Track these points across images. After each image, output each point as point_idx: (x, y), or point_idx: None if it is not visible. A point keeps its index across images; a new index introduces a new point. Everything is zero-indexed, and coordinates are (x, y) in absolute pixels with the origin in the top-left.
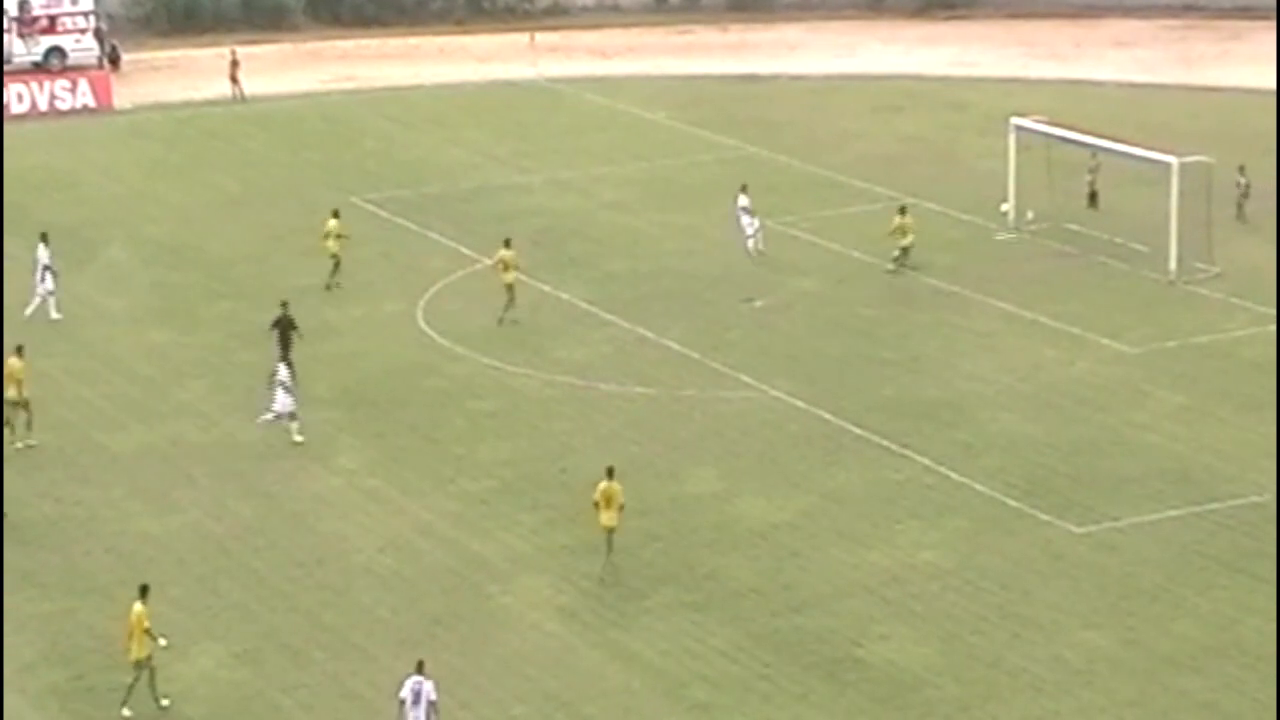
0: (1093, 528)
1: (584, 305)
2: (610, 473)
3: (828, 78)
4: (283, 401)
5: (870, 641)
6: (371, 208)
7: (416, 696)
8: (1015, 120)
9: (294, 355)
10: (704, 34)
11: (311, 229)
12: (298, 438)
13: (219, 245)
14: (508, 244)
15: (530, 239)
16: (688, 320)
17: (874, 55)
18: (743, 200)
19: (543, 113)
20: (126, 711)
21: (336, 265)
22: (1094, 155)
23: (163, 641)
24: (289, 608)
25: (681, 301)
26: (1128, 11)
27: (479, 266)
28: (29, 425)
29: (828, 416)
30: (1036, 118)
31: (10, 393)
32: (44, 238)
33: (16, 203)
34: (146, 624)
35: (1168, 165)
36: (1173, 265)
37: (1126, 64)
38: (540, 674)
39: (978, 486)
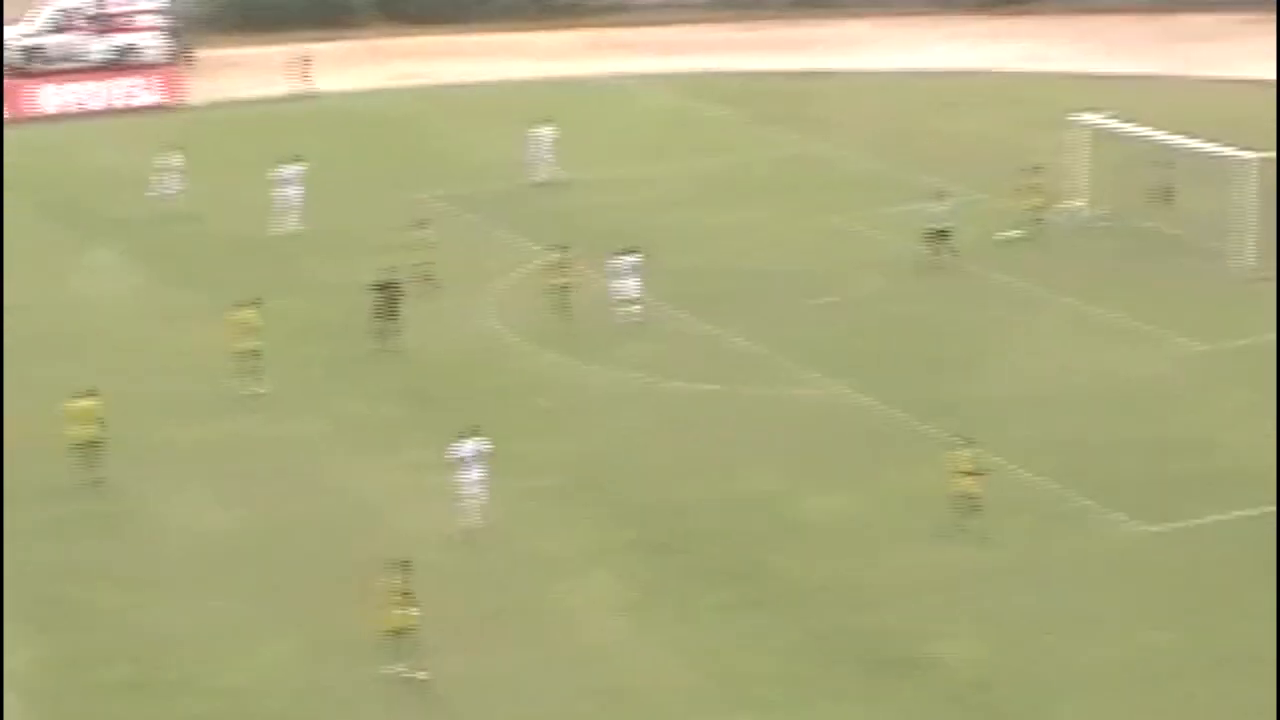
0: (1161, 527)
1: (649, 301)
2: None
3: (893, 73)
4: None
5: (936, 640)
6: (438, 203)
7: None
8: (1080, 115)
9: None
10: (769, 29)
11: (376, 225)
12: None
13: (284, 242)
14: (562, 249)
15: (594, 236)
16: (752, 317)
17: (940, 51)
18: None
19: (608, 109)
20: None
21: (425, 275)
22: (1165, 151)
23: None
24: (347, 603)
25: (746, 298)
26: (1203, 6)
27: (541, 263)
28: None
29: (893, 413)
30: (1106, 113)
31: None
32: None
33: (88, 199)
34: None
35: (1243, 162)
36: (1246, 263)
37: (1201, 59)
38: (603, 670)
39: (1045, 484)
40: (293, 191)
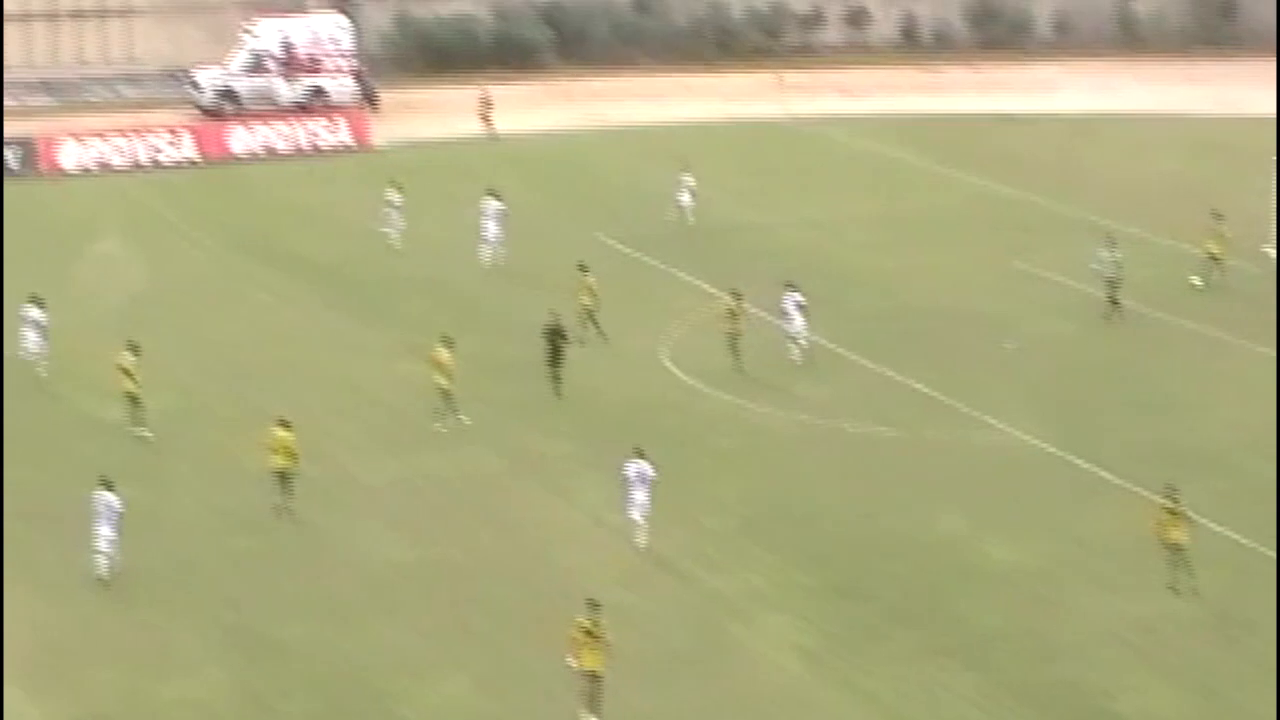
0: None
1: (828, 344)
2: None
3: (1084, 116)
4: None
5: (1123, 693)
6: (617, 244)
7: (640, 477)
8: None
9: (562, 370)
10: (954, 72)
11: (554, 264)
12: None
13: (467, 280)
14: (736, 294)
15: (773, 278)
16: (933, 361)
17: (1132, 94)
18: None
19: (788, 152)
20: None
21: (591, 318)
22: None
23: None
24: (532, 639)
25: (926, 342)
26: None
27: (716, 305)
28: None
29: (1079, 461)
30: None
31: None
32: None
33: (279, 238)
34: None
35: None
36: None
37: None
38: (780, 714)
39: (1237, 537)
40: (492, 226)
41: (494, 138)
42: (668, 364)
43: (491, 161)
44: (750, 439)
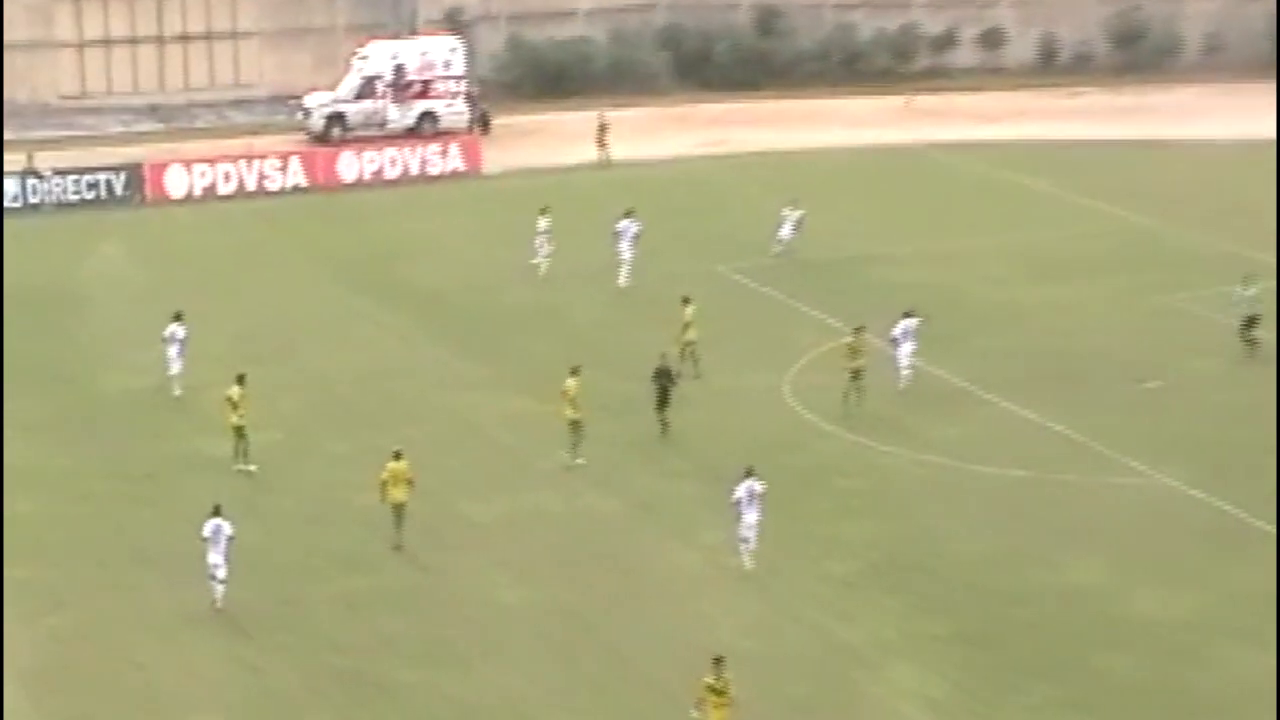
0: None
1: (958, 382)
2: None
3: (1227, 143)
4: None
5: None
6: (738, 276)
7: (750, 496)
8: None
9: (669, 413)
10: (1094, 96)
11: (673, 298)
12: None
13: (581, 312)
14: (858, 330)
15: (901, 313)
16: (1069, 400)
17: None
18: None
19: (918, 179)
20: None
21: (690, 352)
22: None
23: None
24: (649, 687)
25: (1063, 381)
26: None
27: (839, 342)
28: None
29: (1227, 508)
30: None
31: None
32: None
33: (388, 267)
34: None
35: None
36: None
37: None
38: None
39: None
40: (625, 247)
41: (608, 164)
42: (790, 401)
43: (607, 188)
44: (875, 479)
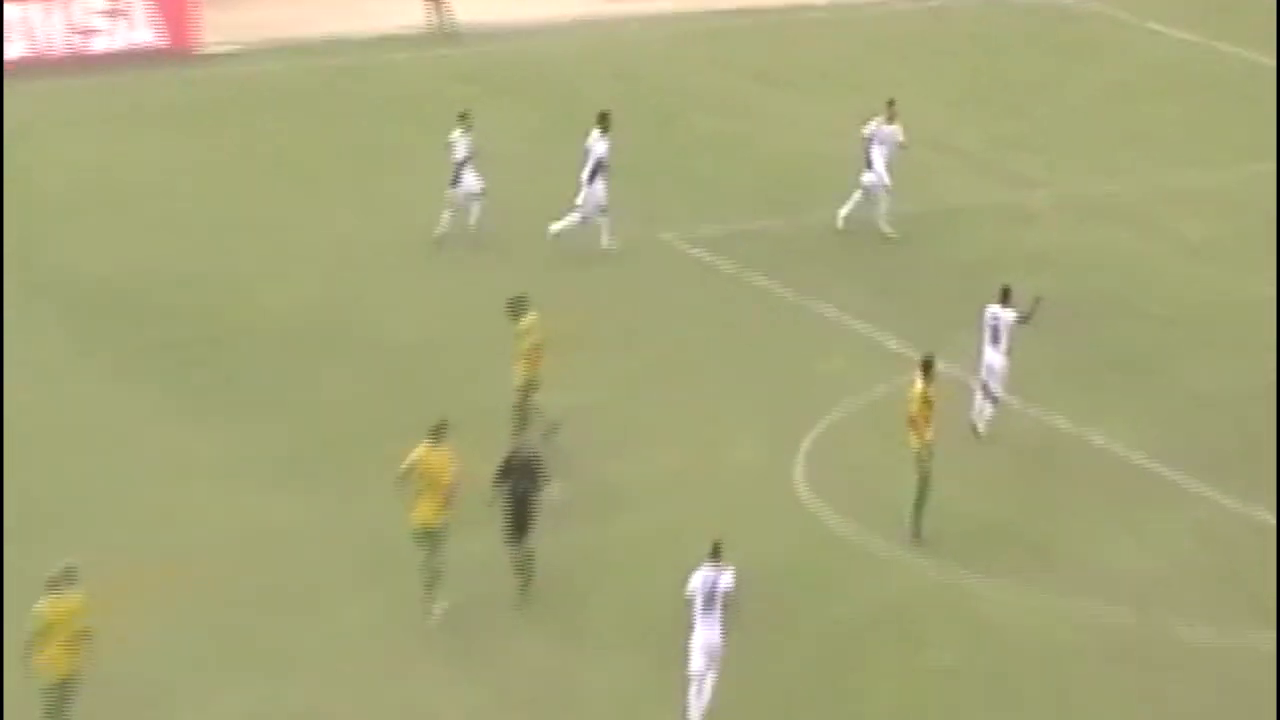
0: None
1: (1138, 459)
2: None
3: None
4: None
5: None
6: (695, 250)
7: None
8: None
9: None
10: None
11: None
12: None
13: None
14: (927, 364)
15: (1029, 305)
16: None
17: None
18: None
19: (1063, 58)
20: None
21: (525, 393)
22: None
23: None
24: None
25: None
26: None
27: (908, 386)
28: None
29: None
30: None
31: None
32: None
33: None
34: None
35: None
36: None
37: None
38: None
39: None
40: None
41: (451, 31)
42: (802, 492)
43: (457, 78)
44: (983, 647)
